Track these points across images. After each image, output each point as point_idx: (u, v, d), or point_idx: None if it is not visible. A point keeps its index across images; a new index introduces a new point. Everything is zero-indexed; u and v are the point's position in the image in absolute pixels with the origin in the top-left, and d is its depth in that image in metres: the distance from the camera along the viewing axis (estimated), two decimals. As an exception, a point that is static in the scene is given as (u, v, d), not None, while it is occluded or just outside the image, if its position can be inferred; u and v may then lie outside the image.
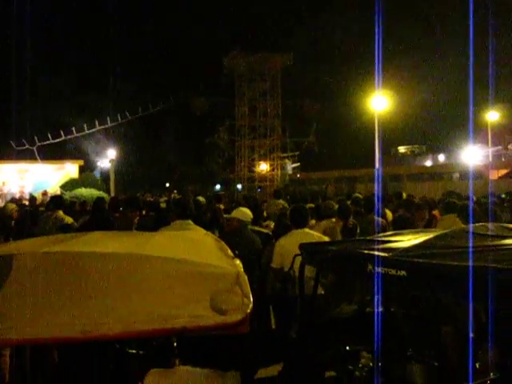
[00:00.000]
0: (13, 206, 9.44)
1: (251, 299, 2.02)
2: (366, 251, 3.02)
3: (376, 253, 2.91)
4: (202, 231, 4.72)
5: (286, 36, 46.82)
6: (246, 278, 2.22)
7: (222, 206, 10.41)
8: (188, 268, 2.17)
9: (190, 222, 5.98)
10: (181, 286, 2.06)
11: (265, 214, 9.72)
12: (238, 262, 2.62)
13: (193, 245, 2.97)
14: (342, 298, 4.79)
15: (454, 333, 3.57)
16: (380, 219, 7.26)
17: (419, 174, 34.44)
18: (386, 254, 2.86)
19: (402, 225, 6.30)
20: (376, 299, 3.46)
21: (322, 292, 4.98)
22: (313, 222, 7.34)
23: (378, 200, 8.47)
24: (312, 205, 8.92)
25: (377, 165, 25.18)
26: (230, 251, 2.94)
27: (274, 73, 34.88)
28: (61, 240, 2.88)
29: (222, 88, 38.09)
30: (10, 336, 1.80)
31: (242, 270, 2.41)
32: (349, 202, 9.81)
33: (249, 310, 1.96)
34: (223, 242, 3.28)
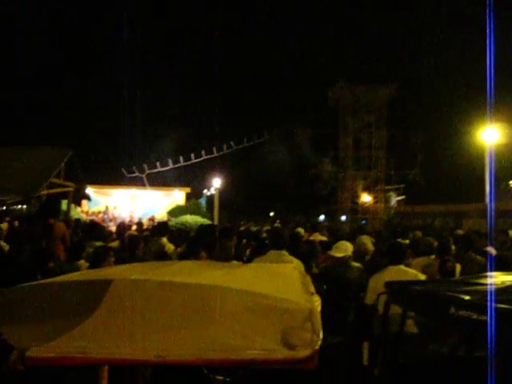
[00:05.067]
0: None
1: (320, 336, 2.09)
2: (449, 293, 2.99)
3: (459, 295, 2.87)
4: (291, 265, 4.80)
5: (392, 66, 46.27)
6: (318, 314, 2.29)
7: (318, 236, 10.50)
8: (263, 302, 2.27)
9: (285, 252, 6.04)
10: (254, 318, 2.17)
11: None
12: (316, 298, 2.70)
13: (275, 278, 3.07)
14: (433, 339, 4.68)
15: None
16: (479, 258, 7.00)
17: (532, 210, 32.34)
18: (468, 297, 2.82)
19: (502, 265, 6.03)
20: (461, 343, 3.38)
21: (414, 331, 4.90)
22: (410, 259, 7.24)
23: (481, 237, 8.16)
24: (407, 241, 8.78)
25: (486, 199, 24.10)
26: (312, 287, 3.01)
27: (379, 104, 34.52)
28: (154, 267, 3.11)
29: (326, 119, 38.24)
30: (94, 355, 1.99)
31: (318, 306, 2.48)
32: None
33: (317, 347, 2.02)
34: (308, 277, 3.36)
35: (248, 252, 8.43)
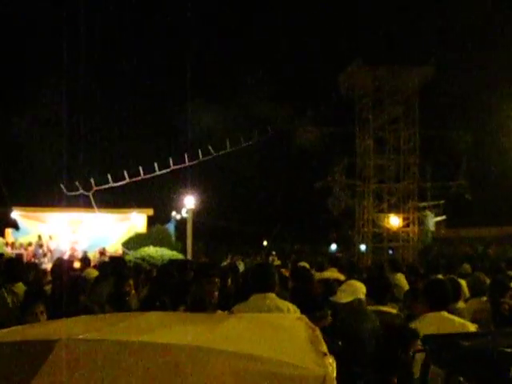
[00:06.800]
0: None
1: None
2: (509, 349, 3.02)
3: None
4: (295, 315, 4.81)
5: (424, 43, 46.26)
6: (334, 382, 2.32)
7: (336, 273, 10.46)
8: (261, 368, 2.27)
9: (271, 295, 5.94)
10: None
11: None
12: (329, 360, 2.71)
13: (274, 334, 3.09)
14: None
15: None
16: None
17: None
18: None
19: None
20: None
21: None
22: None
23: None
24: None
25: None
26: (323, 345, 3.03)
27: (408, 93, 34.56)
28: (111, 322, 3.12)
29: (337, 113, 38.20)
30: None
31: (333, 370, 2.51)
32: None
33: None
34: (318, 332, 3.38)
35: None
